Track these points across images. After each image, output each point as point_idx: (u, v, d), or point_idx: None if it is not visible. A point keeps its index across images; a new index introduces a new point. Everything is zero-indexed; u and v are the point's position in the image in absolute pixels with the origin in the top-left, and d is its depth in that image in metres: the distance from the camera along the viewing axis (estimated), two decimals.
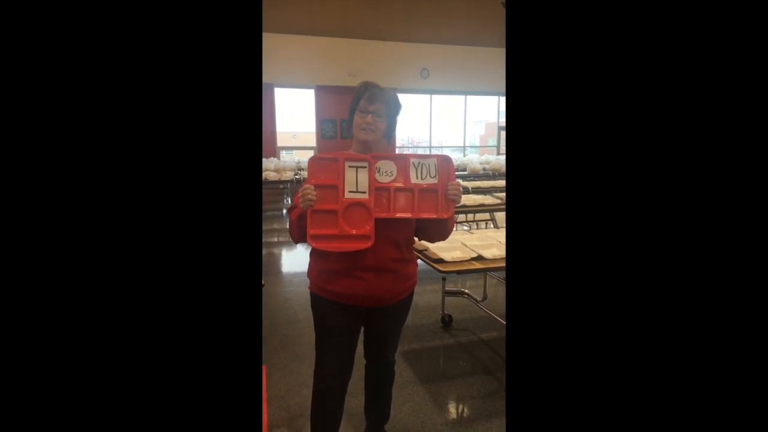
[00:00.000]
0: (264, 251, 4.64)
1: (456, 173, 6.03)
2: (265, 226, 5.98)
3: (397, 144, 9.26)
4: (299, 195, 1.18)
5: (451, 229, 1.34)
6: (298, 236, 1.24)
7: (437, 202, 1.22)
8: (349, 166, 1.19)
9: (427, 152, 9.58)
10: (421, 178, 1.22)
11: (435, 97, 10.25)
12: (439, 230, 1.31)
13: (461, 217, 4.36)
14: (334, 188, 1.18)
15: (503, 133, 10.68)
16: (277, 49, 8.53)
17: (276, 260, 4.43)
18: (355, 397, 1.72)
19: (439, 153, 1.32)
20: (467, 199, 3.40)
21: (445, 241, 2.26)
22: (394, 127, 1.31)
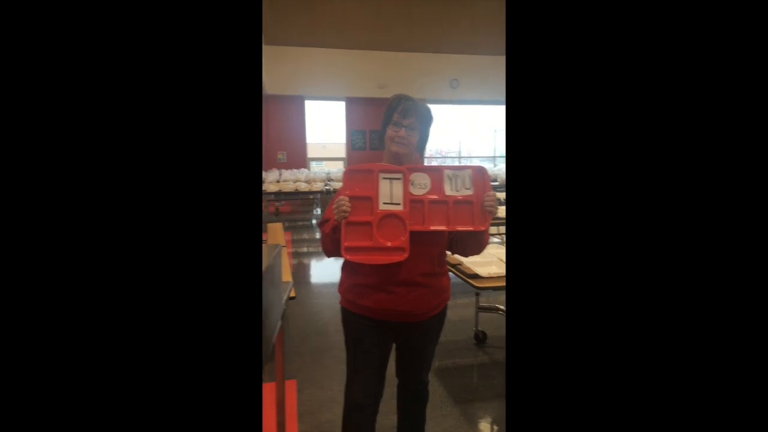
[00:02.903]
0: (294, 261, 4.67)
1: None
2: (294, 236, 6.04)
3: (426, 154, 9.21)
4: (333, 206, 1.16)
5: (487, 243, 1.29)
6: (332, 250, 1.21)
7: (473, 214, 1.18)
8: (384, 178, 1.17)
9: (456, 163, 9.51)
10: (456, 190, 1.18)
11: (464, 107, 10.19)
12: (475, 243, 1.26)
13: (493, 229, 4.26)
14: (369, 200, 1.16)
15: None
16: (308, 62, 8.70)
17: (305, 270, 4.44)
18: (386, 416, 1.66)
19: (470, 164, 1.29)
20: (501, 211, 3.32)
21: (481, 255, 2.20)
22: (427, 140, 1.29)
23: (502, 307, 2.57)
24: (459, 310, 2.98)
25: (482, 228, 1.19)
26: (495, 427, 1.83)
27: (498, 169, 7.44)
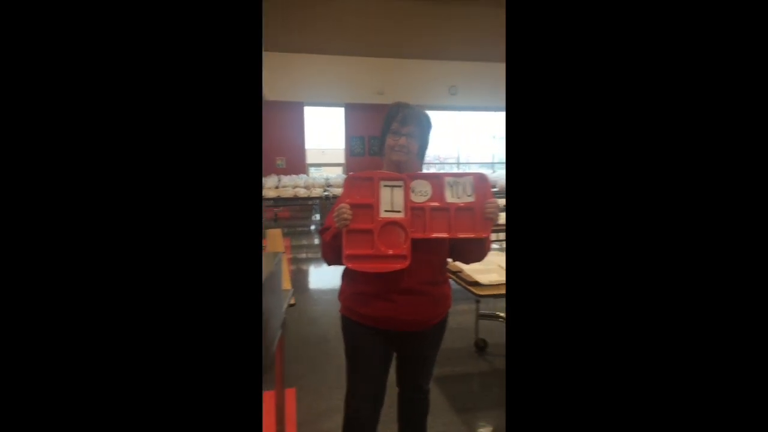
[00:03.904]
0: (293, 267, 4.65)
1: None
2: (293, 242, 6.02)
3: (425, 161, 9.23)
4: (334, 214, 1.15)
5: (488, 250, 1.28)
6: (333, 257, 1.20)
7: (474, 221, 1.17)
8: (384, 185, 1.16)
9: (455, 169, 9.52)
10: (457, 197, 1.18)
11: (463, 113, 10.22)
12: (476, 250, 1.26)
13: (493, 236, 4.25)
14: (370, 207, 1.15)
15: None
16: (307, 68, 8.71)
17: (304, 277, 4.42)
18: (387, 426, 1.64)
19: (469, 170, 1.29)
20: (501, 217, 3.31)
21: (481, 262, 2.19)
22: (426, 147, 1.29)
23: (503, 315, 2.56)
24: (459, 318, 2.96)
25: (484, 235, 1.18)
26: None
27: (497, 175, 7.45)
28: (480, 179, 1.19)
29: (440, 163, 10.91)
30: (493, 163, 11.08)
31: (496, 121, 10.54)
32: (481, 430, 1.84)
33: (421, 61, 8.92)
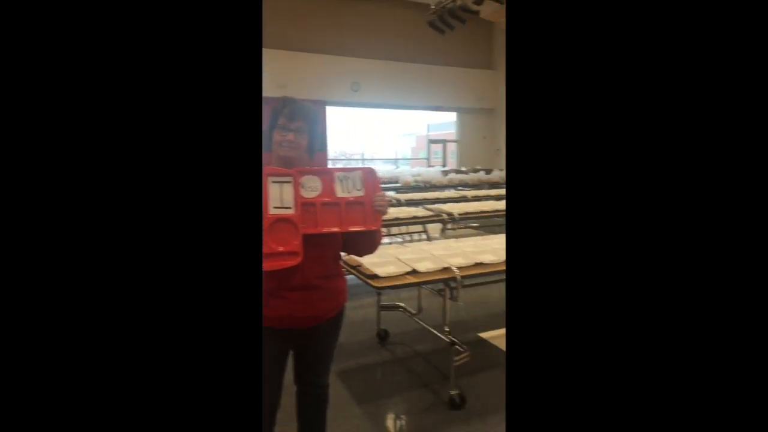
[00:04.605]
0: None
1: (388, 185, 6.03)
2: None
3: (330, 157, 9.22)
4: None
5: (379, 242, 1.31)
6: None
7: (365, 215, 1.20)
8: (273, 182, 1.13)
9: (361, 165, 9.63)
10: (347, 192, 1.19)
11: (366, 110, 10.36)
12: (368, 243, 1.28)
13: (395, 229, 4.39)
14: None
15: (433, 146, 11.03)
16: None
17: None
18: (287, 425, 1.62)
19: (364, 165, 1.32)
20: (400, 212, 3.42)
21: (379, 255, 2.24)
22: (318, 141, 1.28)
23: (402, 305, 2.66)
24: (362, 311, 3.01)
25: (374, 227, 1.22)
26: (398, 423, 1.88)
27: (399, 171, 7.69)
28: (369, 173, 1.22)
29: (347, 159, 10.96)
30: (396, 159, 11.42)
31: (400, 119, 10.86)
32: (383, 418, 1.89)
33: (323, 56, 8.83)
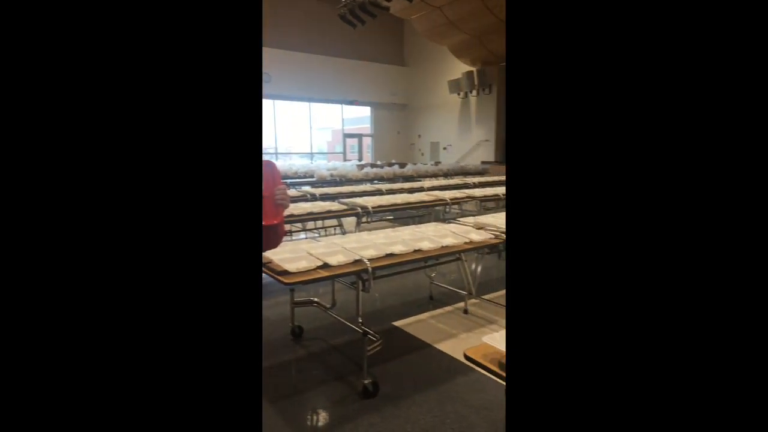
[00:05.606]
0: None
1: (303, 180, 5.90)
2: None
3: None
4: None
5: (283, 235, 1.30)
6: None
7: (266, 209, 1.18)
8: None
9: (275, 159, 9.33)
10: None
11: (278, 102, 10.05)
12: (271, 237, 1.26)
13: (310, 224, 4.33)
14: None
15: (348, 141, 11.06)
16: None
17: None
18: None
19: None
20: (314, 206, 3.39)
21: (290, 251, 2.19)
22: None
23: (317, 300, 2.65)
24: (277, 309, 2.95)
25: (275, 221, 1.20)
26: (314, 417, 1.87)
27: (314, 165, 7.59)
28: (268, 166, 1.19)
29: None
30: (312, 153, 11.25)
31: (315, 113, 10.70)
32: (294, 415, 1.87)
33: None
